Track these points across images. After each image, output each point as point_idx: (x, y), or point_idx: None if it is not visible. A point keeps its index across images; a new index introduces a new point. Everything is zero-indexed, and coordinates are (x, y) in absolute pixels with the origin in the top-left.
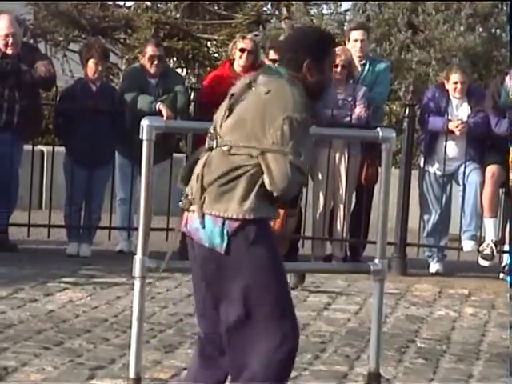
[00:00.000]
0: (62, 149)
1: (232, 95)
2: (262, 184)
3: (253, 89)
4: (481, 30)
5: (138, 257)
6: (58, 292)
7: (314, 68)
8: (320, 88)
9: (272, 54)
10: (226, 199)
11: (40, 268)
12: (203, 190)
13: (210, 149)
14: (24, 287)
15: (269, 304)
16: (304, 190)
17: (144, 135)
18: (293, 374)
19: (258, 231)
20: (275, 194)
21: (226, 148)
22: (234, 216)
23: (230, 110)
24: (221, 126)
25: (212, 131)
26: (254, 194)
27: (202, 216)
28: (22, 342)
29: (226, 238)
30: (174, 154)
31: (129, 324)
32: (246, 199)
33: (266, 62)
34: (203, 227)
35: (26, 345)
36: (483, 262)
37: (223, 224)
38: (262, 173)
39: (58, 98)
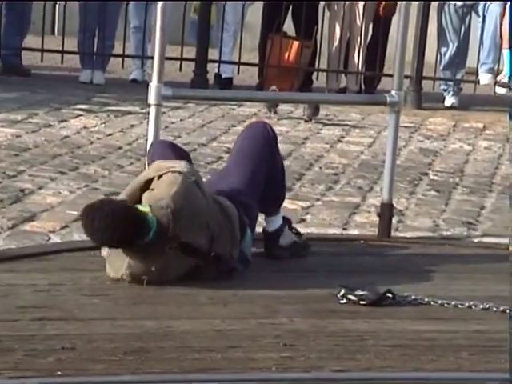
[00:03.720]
0: None
1: None
2: None
3: None
4: None
5: (154, 84)
6: (72, 118)
7: None
8: None
9: None
10: None
11: (54, 94)
12: None
13: None
14: (38, 112)
15: None
16: (320, 22)
17: None
18: (305, 204)
19: None
20: None
21: None
22: None
23: None
24: None
25: None
26: None
27: None
28: (37, 165)
29: None
30: None
31: (143, 152)
32: None
33: None
34: None
35: (42, 168)
36: (500, 90)
37: None
38: None
39: None
